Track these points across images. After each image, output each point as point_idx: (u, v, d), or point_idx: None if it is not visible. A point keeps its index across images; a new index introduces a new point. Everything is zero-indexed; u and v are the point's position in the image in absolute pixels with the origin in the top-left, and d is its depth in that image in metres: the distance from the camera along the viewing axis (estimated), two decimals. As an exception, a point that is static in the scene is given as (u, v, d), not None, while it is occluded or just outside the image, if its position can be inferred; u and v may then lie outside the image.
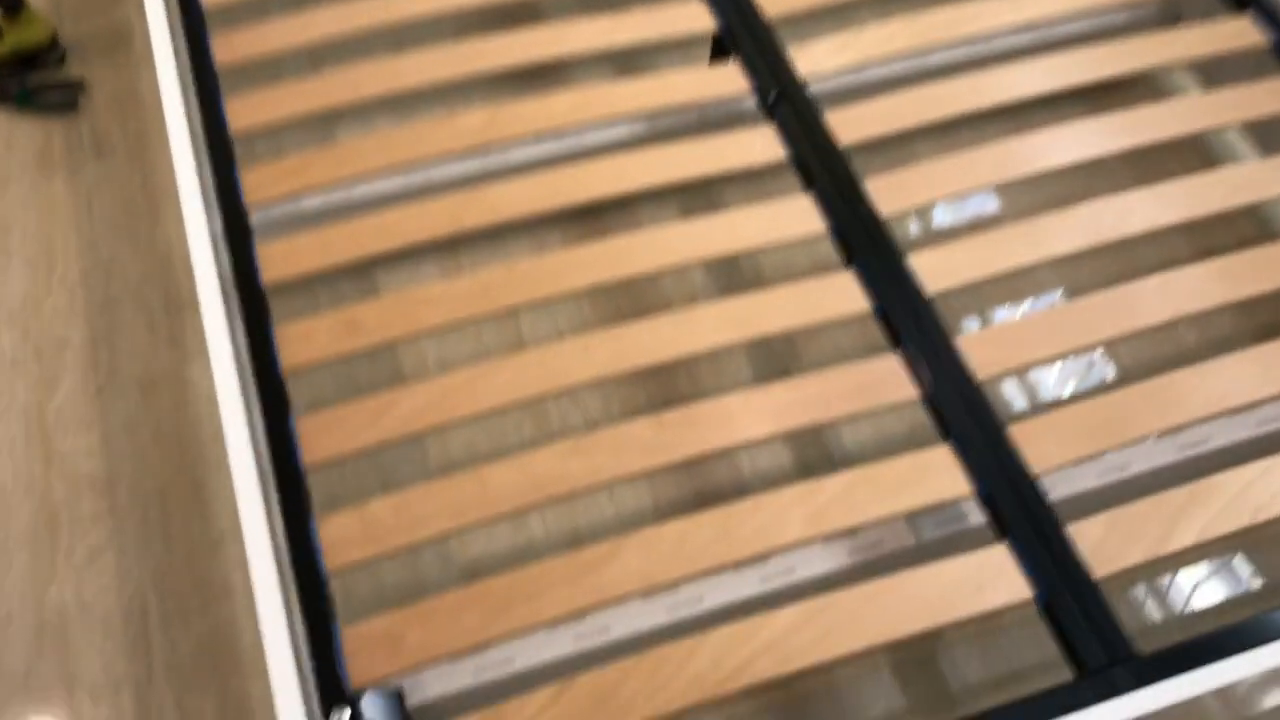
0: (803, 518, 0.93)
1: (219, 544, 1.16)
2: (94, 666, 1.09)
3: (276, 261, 1.09)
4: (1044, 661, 1.09)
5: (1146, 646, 0.87)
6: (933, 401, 1.00)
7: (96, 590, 1.13)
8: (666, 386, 1.25)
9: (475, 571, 1.13)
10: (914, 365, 1.02)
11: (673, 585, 0.90)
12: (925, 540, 1.04)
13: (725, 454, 0.98)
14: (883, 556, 1.03)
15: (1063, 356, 1.04)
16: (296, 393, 1.04)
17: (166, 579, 1.14)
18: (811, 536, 0.92)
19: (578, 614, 0.88)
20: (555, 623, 0.88)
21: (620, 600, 0.89)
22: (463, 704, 0.97)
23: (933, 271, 1.08)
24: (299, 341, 1.04)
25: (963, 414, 0.99)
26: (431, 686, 0.95)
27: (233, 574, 1.15)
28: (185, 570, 1.15)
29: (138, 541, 1.16)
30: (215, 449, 1.23)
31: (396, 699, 0.87)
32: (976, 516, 1.05)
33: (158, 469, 1.21)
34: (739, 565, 0.91)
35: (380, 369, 1.25)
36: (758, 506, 0.93)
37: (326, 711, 0.83)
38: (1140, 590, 1.13)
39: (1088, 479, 1.07)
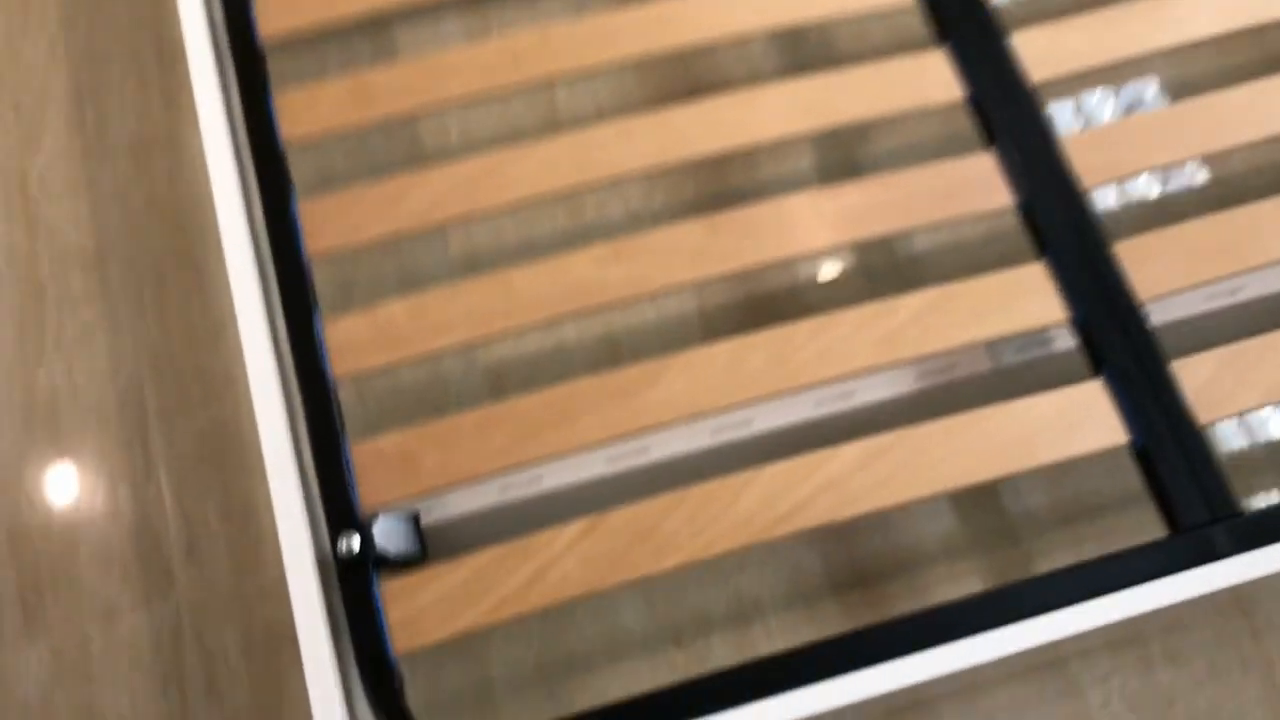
0: (872, 342, 0.83)
1: (220, 330, 1.08)
2: (88, 457, 1.03)
3: (277, 10, 0.96)
4: (1119, 495, 1.01)
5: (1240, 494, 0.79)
6: (1028, 212, 0.88)
7: (88, 375, 1.06)
8: (718, 177, 1.13)
9: (499, 376, 1.05)
10: (1009, 168, 0.90)
11: (721, 413, 0.82)
12: (1003, 366, 0.94)
13: (784, 264, 0.87)
14: (954, 383, 0.94)
15: (1185, 164, 0.91)
16: (300, 170, 0.94)
17: (164, 366, 1.07)
18: (882, 364, 0.83)
19: (614, 440, 0.80)
20: (589, 449, 0.80)
21: (662, 427, 0.81)
22: (484, 524, 0.91)
23: (1039, 55, 0.94)
24: (302, 109, 0.92)
25: (1063, 227, 0.87)
26: (451, 504, 0.88)
27: (235, 364, 1.07)
28: (184, 357, 1.07)
29: (132, 324, 1.08)
30: (215, 224, 1.12)
31: (413, 523, 0.80)
32: (1062, 341, 0.95)
33: (152, 243, 1.12)
34: (797, 393, 0.82)
35: (395, 145, 1.13)
36: (821, 328, 0.84)
37: (335, 536, 0.76)
38: (1232, 425, 1.04)
39: (1192, 303, 0.96)
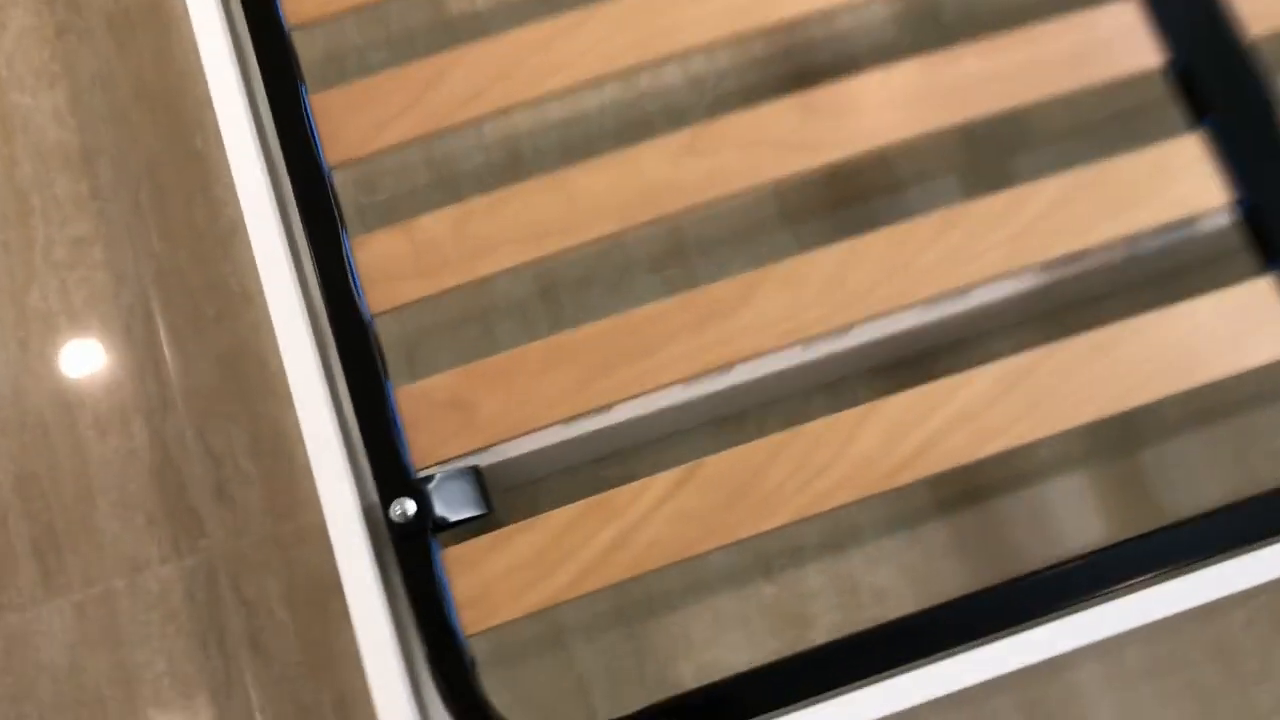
0: (1004, 242, 0.71)
1: (230, 236, 0.97)
2: (97, 389, 0.93)
3: None
4: (1256, 390, 0.91)
5: None
6: (1183, 72, 0.75)
7: (87, 295, 0.95)
8: (791, 29, 0.99)
9: (549, 275, 0.93)
10: (1158, 18, 0.76)
11: (828, 335, 0.70)
12: (1141, 253, 0.83)
13: (898, 149, 0.74)
14: (1084, 275, 0.83)
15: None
16: (307, 49, 0.81)
17: (171, 280, 0.96)
18: (1015, 267, 0.71)
19: (702, 375, 0.69)
20: (673, 384, 0.69)
21: (757, 356, 0.70)
22: (548, 458, 0.82)
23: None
24: (306, -18, 0.79)
25: (1224, 89, 0.74)
26: (511, 445, 0.79)
27: (250, 275, 0.96)
28: (193, 270, 0.96)
29: (131, 233, 0.97)
30: (214, 113, 1.00)
31: (474, 478, 0.70)
32: (1208, 222, 0.82)
33: (145, 137, 0.99)
34: (916, 306, 0.71)
35: (418, 17, 0.99)
36: (942, 227, 0.71)
37: (386, 503, 0.67)
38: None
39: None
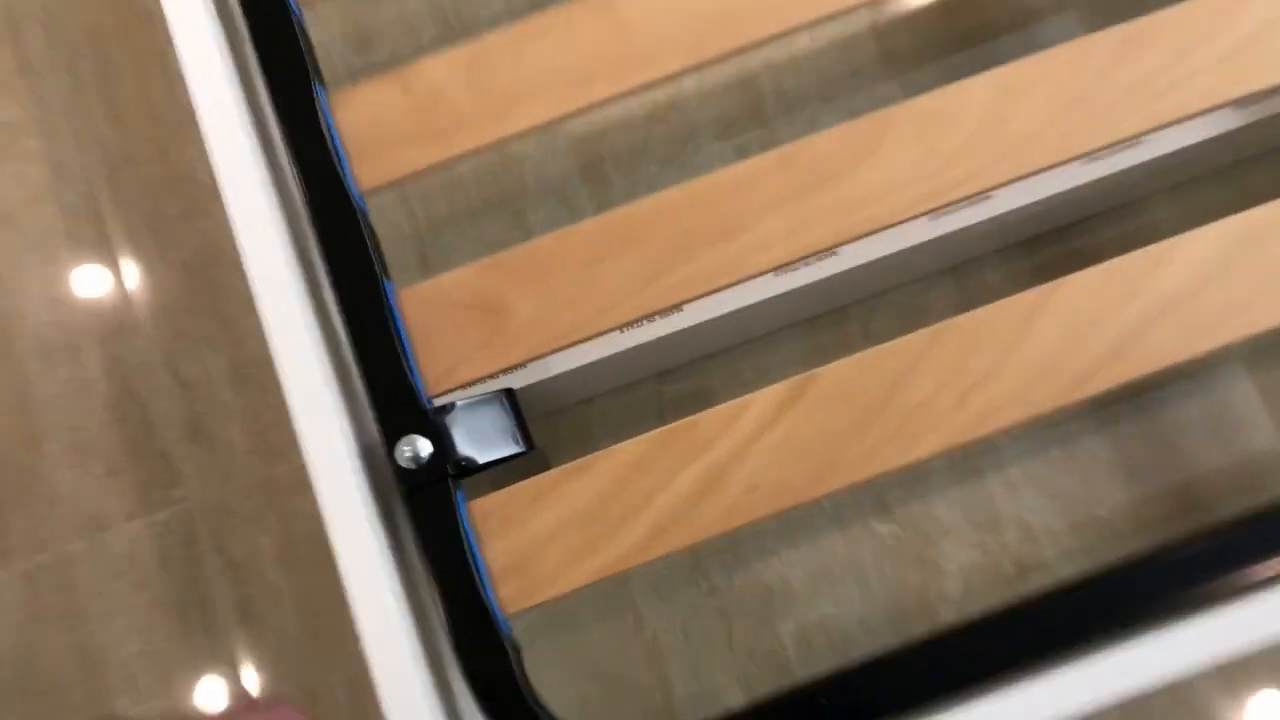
0: (1210, 65, 0.53)
1: (192, 117, 0.80)
2: (39, 309, 0.78)
3: None
4: None
5: None
6: None
7: (22, 194, 0.80)
8: None
9: (590, 144, 0.77)
10: None
11: (973, 200, 0.53)
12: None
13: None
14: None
15: None
16: None
17: (123, 172, 0.80)
18: (1232, 97, 0.53)
19: (802, 260, 0.53)
20: (767, 272, 0.53)
21: (882, 229, 0.53)
22: (596, 382, 0.66)
23: None
24: None
25: None
26: (553, 361, 0.63)
27: (220, 162, 0.79)
28: (150, 158, 0.80)
29: (71, 116, 0.81)
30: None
31: (507, 405, 0.54)
32: None
33: (82, 1, 0.83)
34: (1089, 158, 0.54)
35: None
36: (1125, 45, 0.54)
37: (391, 442, 0.51)
38: None
39: None
